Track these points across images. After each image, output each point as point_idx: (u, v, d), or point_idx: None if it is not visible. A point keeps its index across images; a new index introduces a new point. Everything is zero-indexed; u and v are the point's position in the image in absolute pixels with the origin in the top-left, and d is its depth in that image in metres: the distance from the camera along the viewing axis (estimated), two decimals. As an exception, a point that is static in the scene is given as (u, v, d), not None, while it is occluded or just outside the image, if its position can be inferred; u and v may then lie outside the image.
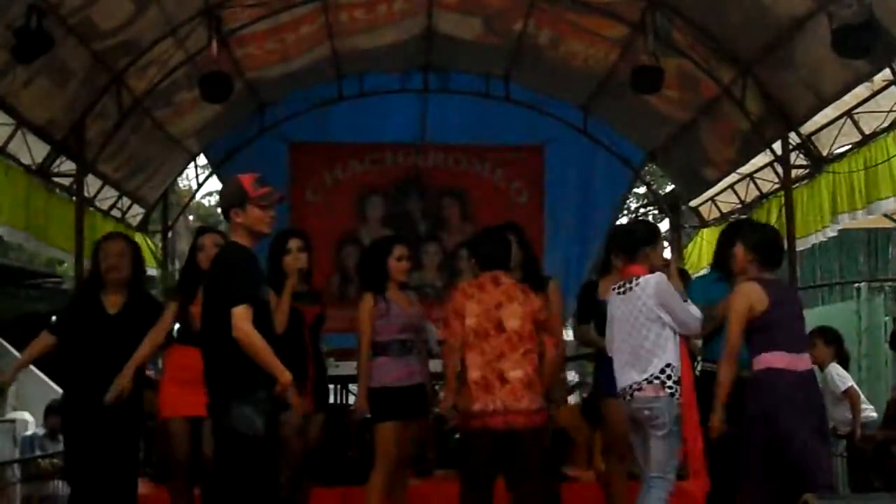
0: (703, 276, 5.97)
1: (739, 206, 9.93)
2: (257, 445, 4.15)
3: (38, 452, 8.17)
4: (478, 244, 5.09)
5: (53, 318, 5.50)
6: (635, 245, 4.83)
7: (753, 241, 4.76)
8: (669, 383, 4.58)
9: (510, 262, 5.04)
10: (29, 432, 9.46)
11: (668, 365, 4.61)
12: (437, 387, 7.68)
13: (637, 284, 4.70)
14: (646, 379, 4.59)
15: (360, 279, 5.53)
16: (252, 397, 4.14)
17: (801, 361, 4.58)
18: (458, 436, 5.49)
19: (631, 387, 4.64)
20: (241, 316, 4.09)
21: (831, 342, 6.74)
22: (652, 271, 4.73)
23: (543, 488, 4.84)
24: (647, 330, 4.64)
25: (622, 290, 4.77)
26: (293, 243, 5.32)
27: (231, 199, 4.36)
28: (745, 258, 4.70)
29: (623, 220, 13.77)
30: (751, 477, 4.56)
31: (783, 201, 8.27)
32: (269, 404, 4.18)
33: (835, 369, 6.67)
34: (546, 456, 4.98)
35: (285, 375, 4.19)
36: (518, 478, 4.84)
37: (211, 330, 4.24)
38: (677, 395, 4.59)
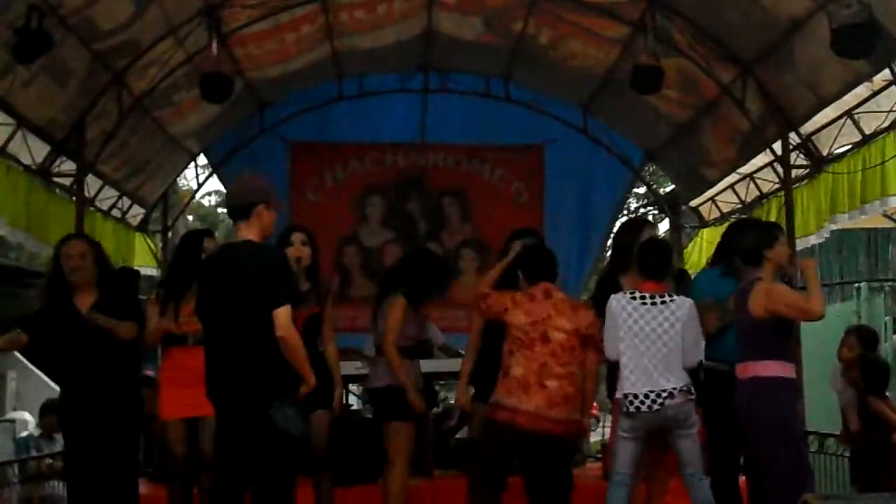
0: (707, 272, 5.95)
1: (739, 206, 9.93)
2: (298, 444, 4.29)
3: (33, 453, 8.16)
4: (525, 258, 5.16)
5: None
6: (664, 270, 5.08)
7: None
8: (692, 392, 4.92)
9: (557, 275, 5.09)
10: (24, 433, 9.45)
11: (686, 377, 4.94)
12: (437, 386, 7.71)
13: (672, 301, 4.94)
14: (675, 388, 4.84)
15: (418, 283, 5.67)
16: (292, 397, 4.23)
17: (741, 369, 4.96)
18: (458, 435, 5.56)
19: (659, 394, 4.82)
20: (286, 316, 4.17)
21: (866, 340, 6.69)
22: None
23: (565, 496, 4.89)
24: (675, 344, 4.89)
25: (649, 301, 4.93)
26: (296, 237, 5.37)
27: (261, 194, 4.39)
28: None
29: (623, 220, 13.76)
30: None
31: (783, 201, 8.27)
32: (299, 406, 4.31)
33: None
34: (569, 461, 5.05)
35: (313, 380, 4.33)
36: (539, 483, 4.88)
37: (239, 330, 4.24)
38: (695, 399, 4.98)
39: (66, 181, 7.94)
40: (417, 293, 5.60)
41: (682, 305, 4.93)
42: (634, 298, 4.95)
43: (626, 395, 4.87)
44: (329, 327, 5.43)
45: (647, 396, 4.81)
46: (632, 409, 4.84)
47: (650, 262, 5.08)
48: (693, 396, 4.90)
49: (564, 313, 4.89)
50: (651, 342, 4.87)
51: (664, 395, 4.81)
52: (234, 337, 4.25)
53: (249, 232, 4.35)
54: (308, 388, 4.33)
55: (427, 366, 6.87)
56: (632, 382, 4.86)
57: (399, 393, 5.42)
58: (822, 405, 7.57)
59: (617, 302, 4.99)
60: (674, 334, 4.87)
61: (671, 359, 4.86)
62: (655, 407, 4.80)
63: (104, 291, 5.21)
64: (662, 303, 4.92)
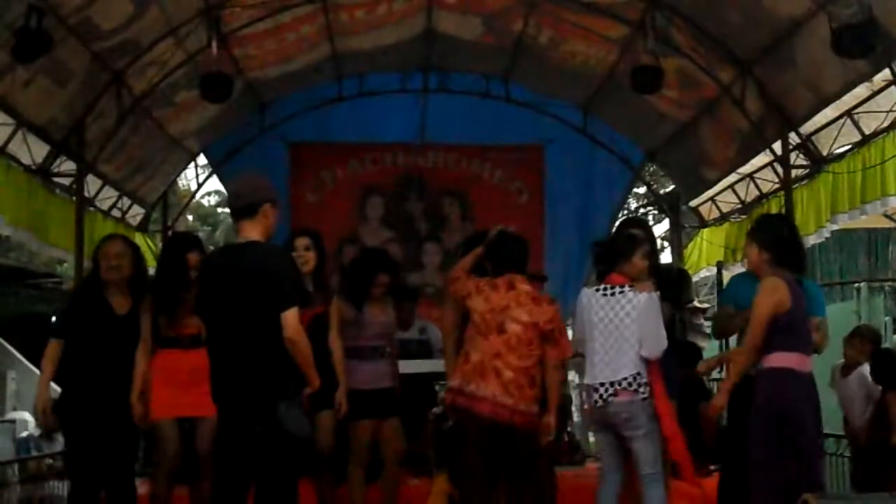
0: (734, 277, 6.01)
1: (739, 206, 9.94)
2: (303, 446, 4.31)
3: (33, 453, 8.17)
4: (494, 246, 5.08)
5: (54, 319, 5.52)
6: (610, 259, 5.07)
7: (766, 239, 4.84)
8: (642, 390, 4.87)
9: (526, 266, 5.06)
10: (24, 433, 9.46)
11: (638, 374, 4.88)
12: (437, 386, 7.71)
13: (630, 291, 4.92)
14: (618, 383, 4.84)
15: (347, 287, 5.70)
16: (298, 399, 4.25)
17: (807, 363, 4.69)
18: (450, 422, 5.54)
19: (606, 390, 4.85)
20: (294, 319, 4.17)
21: (872, 341, 6.68)
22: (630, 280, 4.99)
23: (535, 486, 4.87)
24: (630, 333, 4.89)
25: (608, 292, 4.96)
26: (300, 242, 5.36)
27: (267, 193, 4.39)
28: (759, 258, 4.80)
29: (619, 221, 13.82)
30: (759, 470, 4.65)
31: (783, 201, 8.28)
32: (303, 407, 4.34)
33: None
34: (536, 455, 5.01)
35: (317, 381, 4.35)
36: (511, 474, 4.88)
37: (247, 331, 4.22)
38: (650, 400, 4.88)
39: (66, 181, 7.94)
40: (351, 294, 5.58)
41: (639, 295, 4.92)
42: (598, 291, 5.00)
43: (585, 387, 4.97)
44: (335, 326, 5.40)
45: (595, 390, 4.88)
46: (586, 400, 4.97)
47: (601, 252, 5.17)
48: (644, 395, 4.86)
49: (524, 306, 4.86)
50: (606, 332, 4.90)
51: (609, 389, 4.84)
52: (242, 338, 4.23)
53: (254, 231, 4.33)
54: (312, 390, 4.35)
55: (427, 366, 6.88)
56: (586, 374, 4.95)
57: (350, 395, 5.40)
58: (822, 405, 7.56)
59: (584, 297, 5.05)
60: (629, 323, 4.87)
61: (623, 349, 4.86)
62: (600, 403, 4.86)
63: (136, 294, 5.24)
64: (621, 293, 4.93)
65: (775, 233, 4.96)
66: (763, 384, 4.68)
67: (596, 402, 4.88)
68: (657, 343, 4.92)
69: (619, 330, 4.89)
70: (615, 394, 4.83)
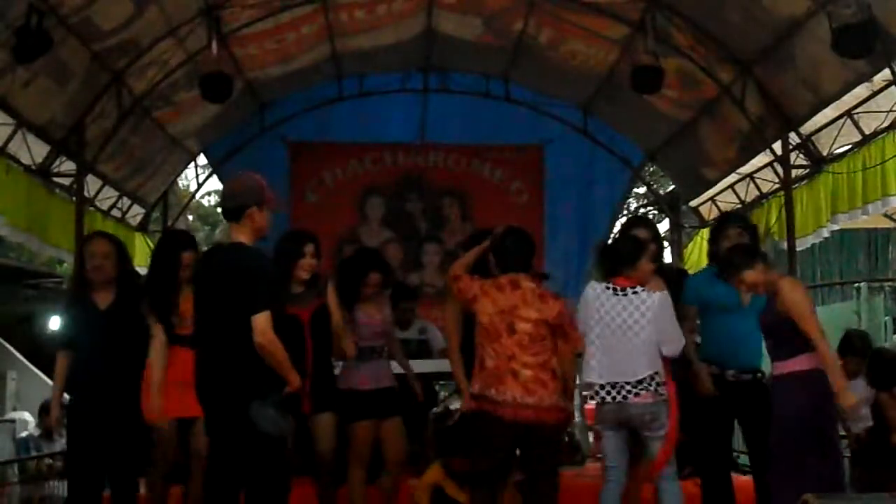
0: (697, 275, 6.01)
1: (739, 206, 9.93)
2: (281, 444, 4.27)
3: (33, 453, 8.16)
4: (501, 243, 5.04)
5: (56, 327, 5.52)
6: (615, 264, 5.03)
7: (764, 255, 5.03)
8: (662, 390, 4.85)
9: (531, 265, 5.03)
10: (24, 433, 9.45)
11: (656, 373, 4.86)
12: (437, 386, 7.72)
13: (644, 292, 4.91)
14: (640, 383, 4.81)
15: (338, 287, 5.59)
16: (272, 398, 4.21)
17: None
18: (458, 415, 5.50)
19: (623, 386, 4.81)
20: (265, 322, 4.15)
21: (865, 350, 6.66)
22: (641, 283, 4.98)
23: (555, 483, 4.86)
24: (646, 335, 4.85)
25: (619, 292, 4.93)
26: (308, 248, 5.29)
27: (252, 196, 4.36)
28: (765, 271, 4.91)
29: (623, 220, 13.84)
30: (794, 472, 4.70)
31: (783, 201, 8.28)
32: (283, 406, 4.27)
33: None
34: (559, 453, 5.01)
35: (297, 379, 4.32)
36: (529, 471, 4.87)
37: (221, 332, 4.25)
38: (668, 399, 4.88)
39: (66, 181, 7.93)
40: (342, 294, 5.50)
41: (652, 295, 4.91)
42: (608, 289, 4.96)
43: (590, 385, 4.90)
44: (336, 311, 5.30)
45: (612, 387, 4.83)
46: (597, 399, 4.87)
47: (605, 255, 5.15)
48: (664, 396, 4.84)
49: (532, 304, 4.80)
50: (622, 333, 4.85)
51: (627, 387, 4.80)
52: (217, 339, 4.27)
53: (240, 234, 4.35)
54: (293, 388, 4.32)
55: (427, 366, 6.88)
56: (598, 373, 4.87)
57: (350, 395, 5.37)
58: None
59: (592, 290, 5.00)
60: (645, 324, 4.84)
61: (641, 350, 4.83)
62: (619, 399, 4.81)
63: (122, 290, 5.24)
64: (634, 293, 4.91)
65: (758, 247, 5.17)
66: (799, 387, 4.75)
67: (612, 399, 4.82)
68: (677, 341, 4.93)
69: (632, 330, 4.84)
70: (637, 394, 4.79)
